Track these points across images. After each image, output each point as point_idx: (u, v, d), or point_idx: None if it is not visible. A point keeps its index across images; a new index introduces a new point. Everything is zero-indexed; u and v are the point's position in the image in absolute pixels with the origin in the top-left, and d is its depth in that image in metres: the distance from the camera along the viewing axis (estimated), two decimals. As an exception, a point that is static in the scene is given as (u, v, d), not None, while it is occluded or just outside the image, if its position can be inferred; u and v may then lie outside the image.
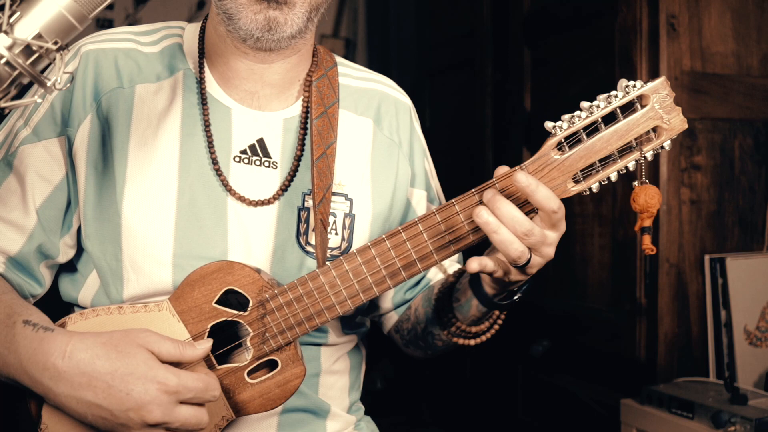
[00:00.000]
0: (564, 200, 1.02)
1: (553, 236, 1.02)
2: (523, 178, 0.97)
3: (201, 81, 1.20)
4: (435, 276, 1.34)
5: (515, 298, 1.12)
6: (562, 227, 1.02)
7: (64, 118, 1.15)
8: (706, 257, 2.20)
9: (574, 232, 2.50)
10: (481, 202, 1.02)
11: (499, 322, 1.19)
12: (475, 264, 1.02)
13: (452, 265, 1.34)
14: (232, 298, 1.10)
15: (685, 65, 2.18)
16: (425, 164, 1.36)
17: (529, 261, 1.01)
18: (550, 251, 1.02)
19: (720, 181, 2.25)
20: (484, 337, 1.20)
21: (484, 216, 0.99)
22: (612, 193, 2.32)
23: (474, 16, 3.08)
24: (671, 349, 2.19)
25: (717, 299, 2.18)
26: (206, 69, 1.21)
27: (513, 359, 2.83)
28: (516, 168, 1.03)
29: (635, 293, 2.23)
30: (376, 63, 4.07)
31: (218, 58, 1.20)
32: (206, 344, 1.06)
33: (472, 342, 1.20)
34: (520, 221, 0.98)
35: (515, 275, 1.05)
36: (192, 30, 1.25)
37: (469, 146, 3.12)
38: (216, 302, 1.10)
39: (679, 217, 2.19)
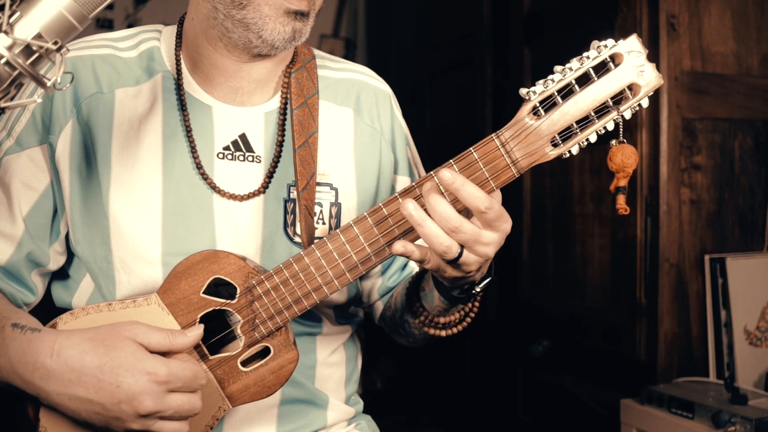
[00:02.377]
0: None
1: (491, 236, 0.98)
2: (448, 175, 0.95)
3: (179, 82, 1.20)
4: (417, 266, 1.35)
5: (474, 292, 1.10)
6: (504, 227, 0.99)
7: (45, 126, 1.16)
8: (706, 257, 2.20)
9: (574, 232, 2.50)
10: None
11: (471, 315, 1.18)
12: (399, 246, 1.00)
13: None
14: (221, 288, 1.10)
15: (685, 65, 2.18)
16: (408, 151, 1.37)
17: (460, 257, 0.98)
18: (486, 250, 0.98)
19: (720, 181, 2.25)
20: (454, 329, 1.18)
21: (409, 208, 0.97)
22: (612, 192, 2.32)
23: (474, 16, 3.08)
24: (671, 349, 2.19)
25: (717, 299, 2.18)
26: (184, 69, 1.21)
27: (513, 359, 2.83)
28: (456, 158, 1.01)
29: (635, 293, 2.23)
30: (376, 63, 4.06)
31: (202, 59, 1.20)
32: (197, 330, 1.06)
33: (443, 333, 1.18)
34: (447, 217, 0.96)
35: (451, 271, 1.01)
36: (169, 33, 1.26)
37: (469, 146, 3.12)
38: (204, 292, 1.09)
39: (679, 217, 2.19)
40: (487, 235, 0.98)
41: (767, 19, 2.30)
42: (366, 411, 1.40)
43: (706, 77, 2.20)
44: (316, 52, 1.34)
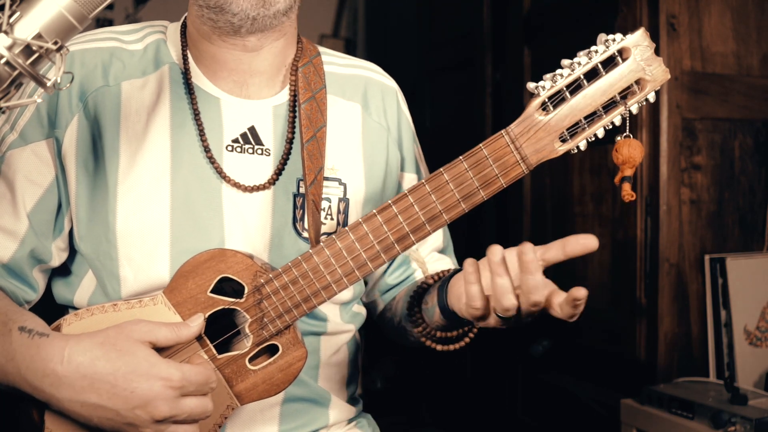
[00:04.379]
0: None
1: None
2: (531, 255, 0.96)
3: (186, 73, 1.19)
4: (420, 268, 1.35)
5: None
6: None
7: (50, 120, 1.15)
8: (706, 257, 2.20)
9: (574, 232, 2.49)
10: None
11: (471, 335, 1.18)
12: (474, 289, 0.99)
13: (434, 262, 1.35)
14: (228, 286, 1.10)
15: (685, 65, 2.18)
16: (414, 148, 1.37)
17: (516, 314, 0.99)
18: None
19: (720, 181, 2.25)
20: (452, 346, 1.18)
21: (498, 255, 0.96)
22: (612, 193, 2.32)
23: (474, 16, 3.08)
24: (671, 349, 2.19)
25: (717, 299, 2.18)
26: (191, 61, 1.21)
27: (513, 359, 2.83)
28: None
29: (635, 293, 2.23)
30: (376, 63, 4.05)
31: (203, 53, 1.20)
32: (198, 320, 1.06)
33: (439, 347, 1.18)
34: (541, 283, 0.97)
35: (494, 323, 1.02)
36: (174, 28, 1.25)
37: (469, 146, 3.11)
38: (211, 291, 1.09)
39: (679, 217, 2.19)
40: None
41: (767, 19, 2.30)
42: (366, 410, 1.40)
43: (706, 77, 2.20)
44: (321, 48, 1.33)
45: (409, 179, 1.34)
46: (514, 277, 0.98)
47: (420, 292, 1.20)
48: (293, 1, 1.13)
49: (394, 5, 4.09)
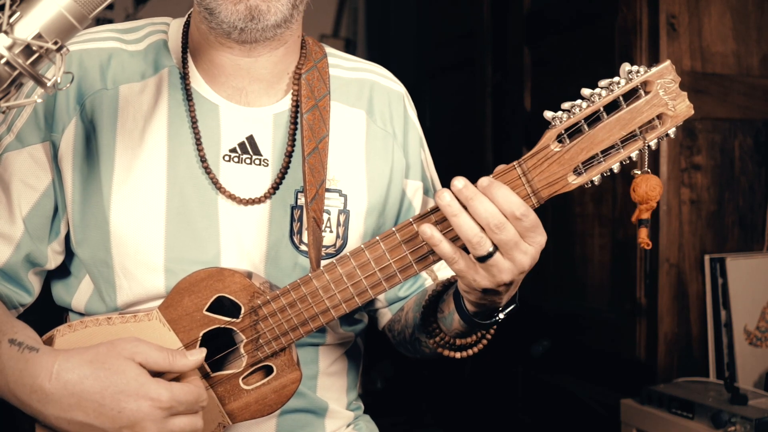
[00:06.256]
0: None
1: (527, 247, 0.95)
2: (485, 181, 0.94)
3: (185, 77, 1.16)
4: (429, 277, 1.32)
5: (496, 318, 1.07)
6: (538, 240, 0.96)
7: (47, 123, 1.12)
8: (706, 257, 2.20)
9: (574, 232, 2.50)
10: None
11: (488, 337, 1.15)
12: (426, 228, 0.96)
13: (445, 268, 1.32)
14: (226, 302, 1.08)
15: (685, 65, 2.18)
16: (421, 154, 1.32)
17: (490, 256, 0.95)
18: (523, 260, 0.95)
19: (720, 181, 2.25)
20: (470, 351, 1.15)
21: (446, 198, 0.94)
22: (612, 193, 2.32)
23: (474, 16, 3.08)
24: (671, 349, 2.19)
25: (717, 299, 2.18)
26: (190, 64, 1.18)
27: (513, 359, 2.83)
28: (507, 168, 0.98)
29: (635, 293, 2.23)
30: (376, 63, 4.05)
31: (202, 55, 1.17)
32: (199, 355, 1.03)
33: (457, 355, 1.16)
34: (492, 212, 0.93)
35: (480, 279, 0.97)
36: (176, 25, 1.22)
37: (469, 146, 3.12)
38: (207, 309, 1.07)
39: (679, 217, 2.19)
40: (524, 245, 0.96)
41: (767, 19, 2.30)
42: (366, 411, 1.39)
43: (706, 77, 2.20)
44: (328, 49, 1.30)
45: (414, 186, 1.30)
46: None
47: (434, 301, 1.16)
48: (289, 14, 1.09)
49: (394, 5, 4.09)
